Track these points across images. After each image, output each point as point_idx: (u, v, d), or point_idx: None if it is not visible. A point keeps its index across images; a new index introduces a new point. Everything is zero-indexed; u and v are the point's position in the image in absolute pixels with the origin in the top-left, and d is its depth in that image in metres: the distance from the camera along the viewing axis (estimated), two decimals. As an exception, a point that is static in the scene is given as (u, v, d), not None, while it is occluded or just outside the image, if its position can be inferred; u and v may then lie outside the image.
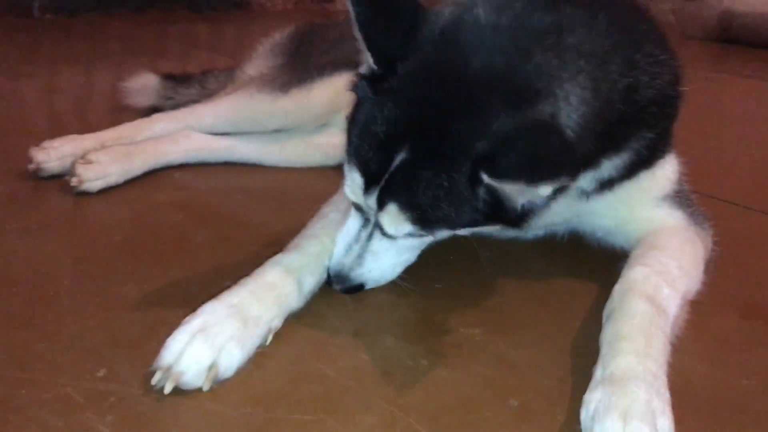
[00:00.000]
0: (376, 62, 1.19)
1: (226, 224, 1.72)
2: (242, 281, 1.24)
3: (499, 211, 1.17)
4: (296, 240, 1.38)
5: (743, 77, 4.13)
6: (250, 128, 2.07)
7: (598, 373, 1.07)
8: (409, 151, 1.14)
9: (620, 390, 1.01)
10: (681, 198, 1.48)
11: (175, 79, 2.48)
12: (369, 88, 1.21)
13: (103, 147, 1.93)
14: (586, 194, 1.42)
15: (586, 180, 1.39)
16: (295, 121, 2.04)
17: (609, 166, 1.38)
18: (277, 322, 1.22)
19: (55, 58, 3.71)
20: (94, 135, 2.01)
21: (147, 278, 1.42)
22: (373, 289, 1.37)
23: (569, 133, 1.15)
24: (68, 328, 1.24)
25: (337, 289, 1.32)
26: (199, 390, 1.08)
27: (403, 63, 1.18)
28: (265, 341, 1.19)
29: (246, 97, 2.04)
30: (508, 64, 1.14)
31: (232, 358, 1.11)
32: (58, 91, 3.04)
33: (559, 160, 1.08)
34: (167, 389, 1.06)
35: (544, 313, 1.38)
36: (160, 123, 2.08)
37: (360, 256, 1.31)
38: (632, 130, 1.36)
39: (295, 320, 1.27)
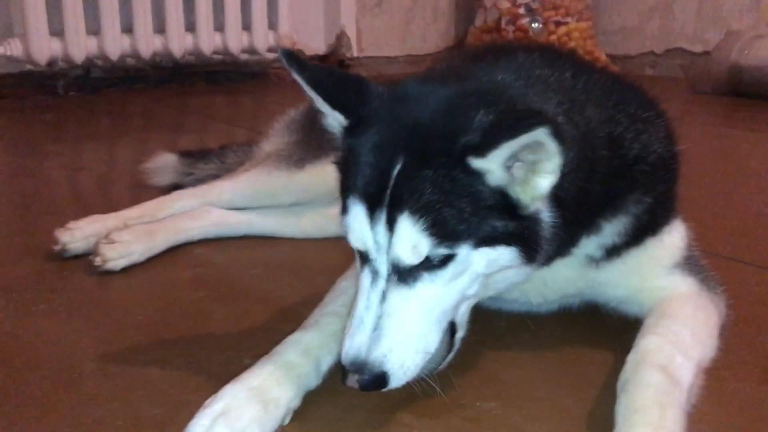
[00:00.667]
0: (345, 116, 1.26)
1: (245, 300, 1.75)
2: (262, 361, 1.27)
3: (512, 215, 1.18)
4: (314, 316, 1.40)
5: (754, 131, 4.15)
6: (269, 203, 2.13)
7: (615, 446, 1.08)
8: (403, 164, 1.16)
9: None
10: (692, 264, 1.49)
11: (193, 156, 2.56)
12: (346, 140, 1.27)
13: (126, 226, 1.99)
14: (594, 261, 1.45)
15: (591, 246, 1.42)
16: (312, 195, 2.10)
17: (610, 231, 1.41)
18: (296, 402, 1.23)
19: (80, 136, 3.84)
20: (117, 214, 2.08)
21: (168, 358, 1.45)
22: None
23: None
24: (92, 411, 1.26)
25: (355, 385, 1.16)
26: (221, 473, 1.10)
27: (368, 106, 1.25)
28: (284, 421, 1.21)
29: (264, 173, 2.11)
30: (481, 90, 1.23)
31: (253, 441, 1.13)
32: (82, 169, 3.15)
33: (536, 114, 1.14)
34: (190, 473, 1.08)
35: (561, 385, 1.38)
36: (180, 200, 2.15)
37: (376, 329, 1.16)
38: (624, 188, 1.39)
39: (312, 397, 1.28)
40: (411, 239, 1.15)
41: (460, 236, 1.16)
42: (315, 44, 5.98)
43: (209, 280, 1.86)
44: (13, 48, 4.41)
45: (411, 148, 1.17)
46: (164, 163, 2.56)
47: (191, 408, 1.16)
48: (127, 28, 4.75)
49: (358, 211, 1.19)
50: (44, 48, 4.43)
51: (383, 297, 1.18)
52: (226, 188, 2.14)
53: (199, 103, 4.99)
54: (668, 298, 1.43)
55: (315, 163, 2.06)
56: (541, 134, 1.08)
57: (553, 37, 5.69)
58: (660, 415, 1.11)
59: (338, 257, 1.73)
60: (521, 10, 5.80)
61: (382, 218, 1.16)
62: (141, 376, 1.38)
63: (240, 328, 1.60)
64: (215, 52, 5.18)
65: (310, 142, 2.14)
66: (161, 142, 3.79)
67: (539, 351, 1.50)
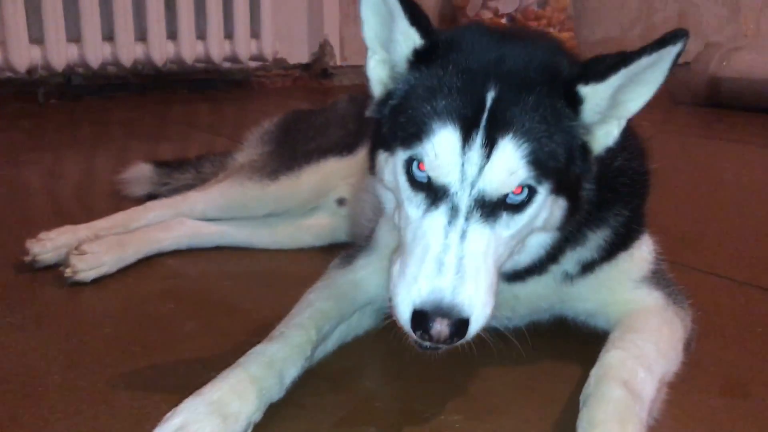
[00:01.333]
0: (421, 35, 1.23)
1: (215, 312, 1.75)
2: (224, 374, 1.26)
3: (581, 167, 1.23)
4: (280, 328, 1.39)
5: (731, 141, 4.20)
6: (241, 214, 2.12)
7: (574, 460, 1.08)
8: (499, 89, 1.15)
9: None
10: (659, 278, 1.51)
11: (169, 166, 2.55)
12: (415, 65, 1.23)
13: (97, 237, 1.98)
14: (569, 278, 1.46)
15: (570, 261, 1.44)
16: (285, 207, 2.10)
17: (591, 244, 1.43)
18: (258, 416, 1.23)
19: (59, 144, 3.81)
20: (89, 225, 2.06)
21: (135, 371, 1.45)
22: (351, 376, 1.38)
23: None
24: (56, 425, 1.26)
25: (439, 335, 1.07)
26: (180, 489, 1.09)
27: (442, 33, 1.25)
28: (246, 435, 1.21)
29: (236, 184, 2.10)
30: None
31: (211, 456, 1.12)
32: (60, 178, 3.13)
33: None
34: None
35: (526, 398, 1.39)
36: (153, 211, 2.14)
37: (459, 270, 1.10)
38: (608, 199, 1.41)
39: (275, 410, 1.28)
40: (510, 164, 1.12)
41: (549, 174, 1.16)
42: (298, 53, 5.98)
43: (180, 292, 1.86)
44: (-8, 55, 4.38)
45: (506, 75, 1.16)
46: (140, 174, 2.55)
47: (153, 422, 1.16)
48: (108, 36, 4.73)
49: (447, 135, 1.13)
50: (24, 55, 4.40)
51: (463, 236, 1.12)
52: (198, 199, 2.14)
53: (180, 111, 4.98)
54: (635, 311, 1.44)
55: (288, 175, 2.06)
56: (680, 46, 1.14)
57: (535, 48, 5.71)
58: (620, 430, 1.11)
59: (311, 268, 1.74)
60: (504, 20, 5.84)
61: (478, 141, 1.12)
62: (106, 391, 1.37)
63: (208, 341, 1.59)
64: (197, 61, 5.16)
65: (283, 153, 2.14)
66: (141, 151, 3.77)
67: (507, 364, 1.50)
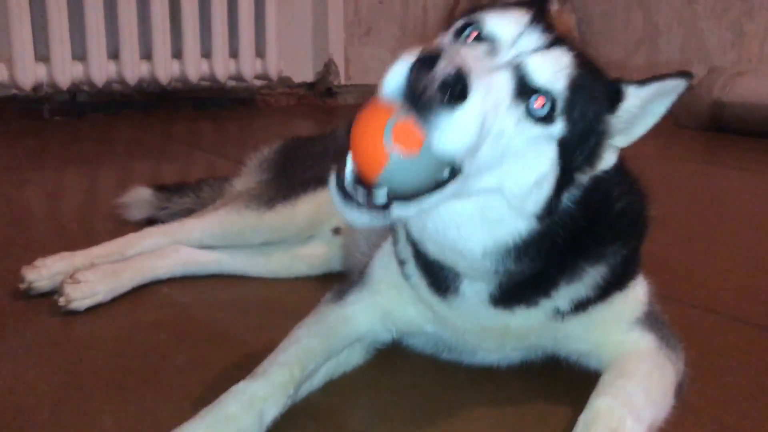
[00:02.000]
0: None
1: (207, 344, 1.74)
2: (202, 412, 1.25)
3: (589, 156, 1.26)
4: (264, 365, 1.38)
5: (733, 168, 4.19)
6: (237, 243, 2.12)
7: None
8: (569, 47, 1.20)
9: None
10: (653, 320, 1.49)
11: (168, 190, 2.55)
12: None
13: (92, 264, 1.98)
14: (561, 315, 1.44)
15: (563, 298, 1.41)
16: (281, 236, 2.10)
17: (588, 280, 1.41)
18: (234, 458, 1.22)
19: (62, 162, 3.83)
20: (85, 252, 2.06)
21: (124, 407, 1.44)
22: (338, 415, 1.36)
23: None
24: (40, 464, 1.26)
25: (440, 69, 0.98)
26: None
27: None
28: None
29: (233, 213, 2.10)
30: None
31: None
32: (60, 199, 3.14)
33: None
34: None
35: (515, 441, 1.38)
36: (150, 238, 2.14)
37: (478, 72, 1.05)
38: (609, 236, 1.40)
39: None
40: (559, 63, 1.15)
41: (572, 110, 1.17)
42: (303, 71, 6.02)
43: (173, 323, 1.85)
44: (-2, 72, 4.42)
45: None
46: (139, 197, 2.55)
47: (137, 464, 1.15)
48: (114, 54, 4.77)
49: (518, 11, 1.18)
50: (29, 73, 4.44)
51: (492, 69, 1.10)
52: (195, 227, 2.14)
53: (184, 129, 5.00)
54: (627, 354, 1.43)
55: (285, 204, 2.06)
56: (684, 83, 1.23)
57: (539, 69, 5.72)
58: (607, 480, 1.10)
59: (305, 298, 1.74)
60: (508, 42, 5.85)
61: (544, 33, 1.16)
62: (93, 427, 1.37)
63: (199, 375, 1.58)
64: (202, 79, 5.20)
65: (280, 182, 2.14)
66: (143, 171, 3.79)
67: (497, 405, 1.49)
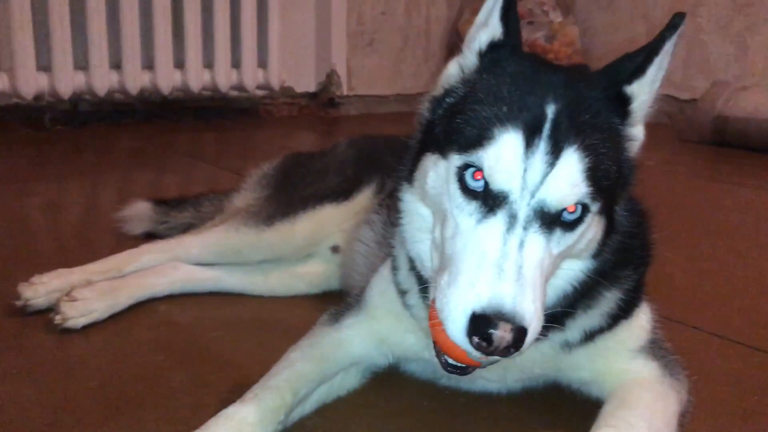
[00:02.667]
0: (505, 32, 1.28)
1: (204, 365, 1.72)
2: None
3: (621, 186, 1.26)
4: (255, 389, 1.36)
5: (736, 185, 4.16)
6: (235, 260, 2.10)
7: None
8: (560, 102, 1.15)
9: None
10: (656, 348, 1.47)
11: (168, 204, 2.54)
12: (482, 66, 1.27)
13: (89, 282, 1.96)
14: (569, 347, 1.42)
15: (575, 330, 1.40)
16: (279, 254, 2.08)
17: (602, 308, 1.39)
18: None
19: (63, 174, 3.81)
20: (83, 268, 2.05)
21: (117, 430, 1.42)
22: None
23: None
24: (31, 491, 1.23)
25: (498, 338, 1.02)
26: None
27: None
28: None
29: (232, 230, 2.08)
30: None
31: None
32: (60, 211, 3.12)
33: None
34: None
35: (515, 470, 1.36)
36: (147, 254, 2.12)
37: (518, 278, 1.06)
38: (624, 260, 1.39)
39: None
40: (573, 177, 1.11)
41: (602, 192, 1.16)
42: (305, 82, 6.01)
43: (170, 342, 1.83)
44: (0, 82, 4.41)
45: (565, 87, 1.18)
46: (139, 212, 2.54)
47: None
48: (116, 64, 4.76)
49: (510, 139, 1.11)
50: (31, 82, 4.43)
51: (521, 245, 1.09)
52: (193, 243, 2.12)
53: (186, 140, 4.99)
54: (629, 383, 1.41)
55: (284, 221, 2.04)
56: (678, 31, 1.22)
57: (542, 82, 5.72)
58: None
59: (303, 317, 1.72)
60: (511, 54, 5.85)
61: (542, 149, 1.11)
62: (86, 453, 1.35)
63: (195, 397, 1.56)
64: (204, 89, 5.19)
65: (280, 199, 2.13)
66: (144, 182, 3.78)
67: (496, 431, 1.46)
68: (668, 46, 1.22)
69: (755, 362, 1.84)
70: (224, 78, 5.18)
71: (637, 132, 1.28)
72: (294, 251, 2.09)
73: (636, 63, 1.23)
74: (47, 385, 1.61)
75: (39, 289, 1.94)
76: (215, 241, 2.10)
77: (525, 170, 1.10)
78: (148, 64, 4.90)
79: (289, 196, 2.12)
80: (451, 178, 1.17)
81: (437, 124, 1.26)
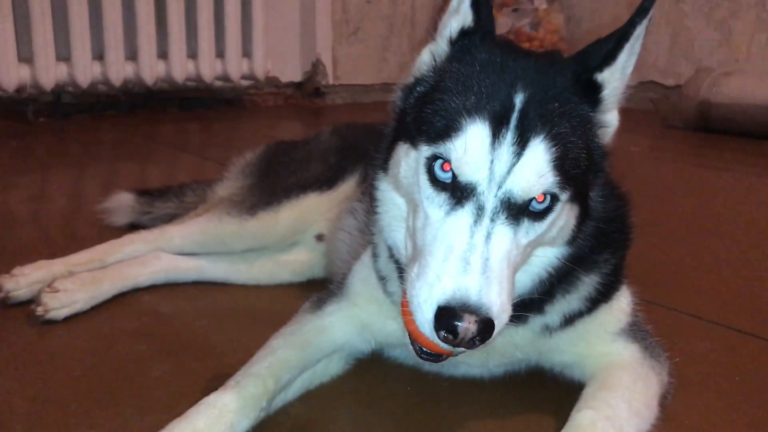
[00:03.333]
0: (475, 18, 1.28)
1: (186, 355, 1.71)
2: (170, 425, 1.23)
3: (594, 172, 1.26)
4: (237, 376, 1.36)
5: (720, 169, 4.19)
6: (219, 250, 2.10)
7: None
8: (528, 91, 1.15)
9: None
10: (636, 330, 1.48)
11: (151, 195, 2.52)
12: (452, 54, 1.26)
13: (71, 273, 1.95)
14: (549, 331, 1.43)
15: (555, 314, 1.41)
16: (263, 243, 2.08)
17: (581, 293, 1.40)
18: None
19: (46, 166, 3.78)
20: (65, 259, 2.03)
21: (99, 421, 1.41)
22: (316, 426, 1.34)
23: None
24: (12, 482, 1.23)
25: (463, 329, 1.03)
26: None
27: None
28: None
29: (214, 219, 2.07)
30: None
31: None
32: (43, 203, 3.09)
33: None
34: None
35: (497, 453, 1.36)
36: (130, 245, 2.11)
37: (484, 271, 1.07)
38: (602, 244, 1.39)
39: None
40: (539, 167, 1.11)
41: (571, 181, 1.16)
42: (290, 71, 5.98)
43: (153, 332, 1.83)
44: (-20, 74, 4.36)
45: (533, 77, 1.17)
46: (121, 203, 2.52)
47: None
48: (98, 55, 4.72)
49: (477, 130, 1.11)
50: (12, 74, 4.39)
51: (488, 237, 1.10)
52: (176, 233, 2.11)
53: (170, 131, 4.96)
54: (610, 366, 1.42)
55: (267, 210, 2.04)
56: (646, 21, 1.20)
57: (528, 69, 5.72)
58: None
59: (287, 306, 1.71)
60: (496, 42, 5.84)
61: (508, 139, 1.11)
62: (68, 442, 1.35)
63: (177, 387, 1.56)
64: (188, 79, 5.16)
65: (263, 188, 2.12)
66: (128, 174, 3.76)
67: (479, 417, 1.47)
68: (639, 31, 1.21)
69: (737, 344, 1.86)
70: (208, 68, 5.15)
71: (610, 118, 1.27)
72: (277, 240, 2.08)
73: (606, 49, 1.22)
74: (29, 376, 1.60)
75: (20, 281, 1.92)
76: (198, 230, 2.09)
77: (492, 161, 1.11)
78: (132, 55, 4.86)
79: (272, 184, 2.11)
80: (420, 169, 1.18)
81: (409, 113, 1.26)
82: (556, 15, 6.03)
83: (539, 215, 1.16)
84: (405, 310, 1.14)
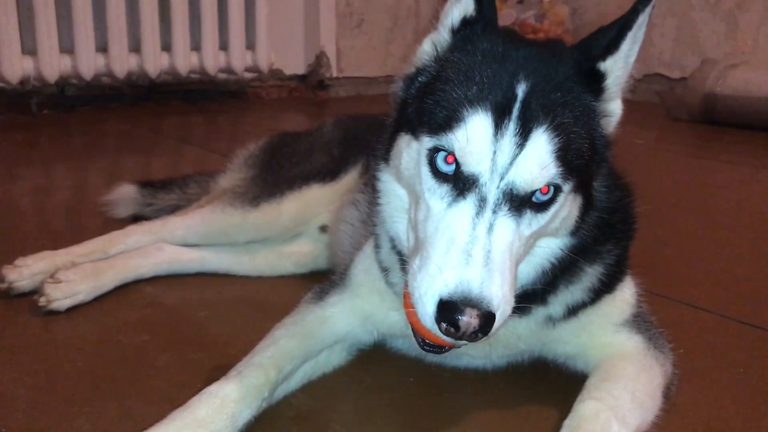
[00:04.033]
0: (477, 7, 1.26)
1: (189, 346, 1.71)
2: (172, 415, 1.23)
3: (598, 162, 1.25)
4: (239, 366, 1.35)
5: (725, 162, 4.17)
6: (221, 241, 2.09)
7: None
8: (530, 81, 1.14)
9: None
10: (640, 321, 1.47)
11: (154, 186, 2.52)
12: (454, 44, 1.25)
13: (74, 264, 1.95)
14: (552, 321, 1.43)
15: (558, 305, 1.40)
16: (266, 234, 2.07)
17: (584, 283, 1.39)
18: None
19: (50, 158, 3.78)
20: (68, 250, 2.03)
21: (101, 410, 1.41)
22: (318, 417, 1.33)
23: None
24: (14, 471, 1.23)
25: (465, 323, 1.03)
26: None
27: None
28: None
29: (217, 211, 2.07)
30: None
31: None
32: (48, 195, 3.09)
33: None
34: None
35: (500, 444, 1.36)
36: (133, 236, 2.11)
37: (486, 263, 1.06)
38: (605, 235, 1.38)
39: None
40: (542, 158, 1.10)
41: (574, 172, 1.15)
42: (294, 64, 5.97)
43: (155, 323, 1.83)
44: (-16, 66, 4.36)
45: (536, 67, 1.16)
46: (125, 195, 2.52)
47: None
48: (102, 47, 4.71)
49: (479, 121, 1.10)
50: (16, 67, 4.39)
51: (490, 229, 1.09)
52: (178, 225, 2.11)
53: (174, 123, 4.95)
54: (613, 356, 1.41)
55: (270, 201, 2.03)
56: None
57: (532, 61, 5.71)
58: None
59: (290, 297, 1.70)
60: (501, 34, 5.82)
61: (511, 129, 1.09)
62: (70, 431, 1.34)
63: (180, 376, 1.56)
64: (192, 72, 5.15)
65: (266, 179, 2.11)
66: (132, 166, 3.75)
67: (481, 407, 1.47)
68: (642, 19, 1.20)
69: (741, 335, 1.85)
70: (212, 60, 5.13)
71: (613, 107, 1.26)
72: (280, 232, 2.08)
73: (609, 38, 1.21)
74: (31, 366, 1.60)
75: (23, 272, 1.92)
76: (201, 222, 2.09)
77: (494, 153, 1.10)
78: (135, 47, 4.85)
79: (275, 176, 2.11)
80: (422, 161, 1.17)
81: (410, 104, 1.25)
82: (561, 7, 6.00)
83: (542, 206, 1.15)
84: (407, 302, 1.13)
